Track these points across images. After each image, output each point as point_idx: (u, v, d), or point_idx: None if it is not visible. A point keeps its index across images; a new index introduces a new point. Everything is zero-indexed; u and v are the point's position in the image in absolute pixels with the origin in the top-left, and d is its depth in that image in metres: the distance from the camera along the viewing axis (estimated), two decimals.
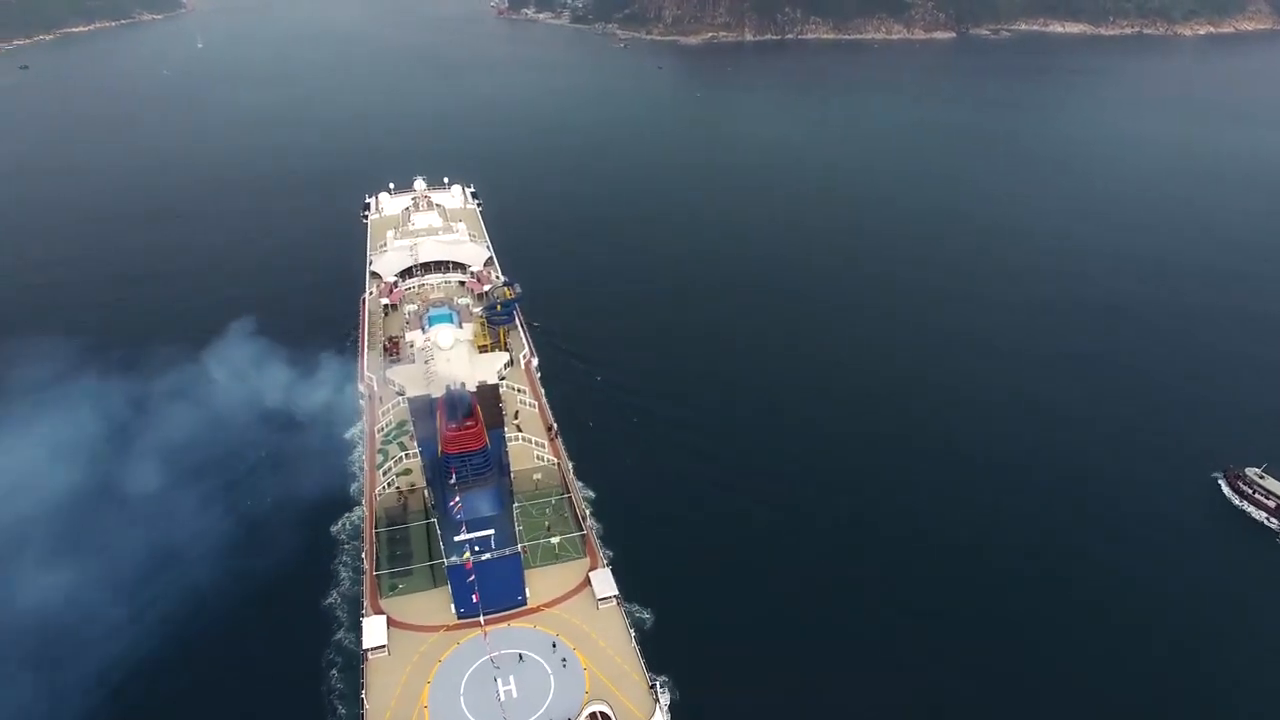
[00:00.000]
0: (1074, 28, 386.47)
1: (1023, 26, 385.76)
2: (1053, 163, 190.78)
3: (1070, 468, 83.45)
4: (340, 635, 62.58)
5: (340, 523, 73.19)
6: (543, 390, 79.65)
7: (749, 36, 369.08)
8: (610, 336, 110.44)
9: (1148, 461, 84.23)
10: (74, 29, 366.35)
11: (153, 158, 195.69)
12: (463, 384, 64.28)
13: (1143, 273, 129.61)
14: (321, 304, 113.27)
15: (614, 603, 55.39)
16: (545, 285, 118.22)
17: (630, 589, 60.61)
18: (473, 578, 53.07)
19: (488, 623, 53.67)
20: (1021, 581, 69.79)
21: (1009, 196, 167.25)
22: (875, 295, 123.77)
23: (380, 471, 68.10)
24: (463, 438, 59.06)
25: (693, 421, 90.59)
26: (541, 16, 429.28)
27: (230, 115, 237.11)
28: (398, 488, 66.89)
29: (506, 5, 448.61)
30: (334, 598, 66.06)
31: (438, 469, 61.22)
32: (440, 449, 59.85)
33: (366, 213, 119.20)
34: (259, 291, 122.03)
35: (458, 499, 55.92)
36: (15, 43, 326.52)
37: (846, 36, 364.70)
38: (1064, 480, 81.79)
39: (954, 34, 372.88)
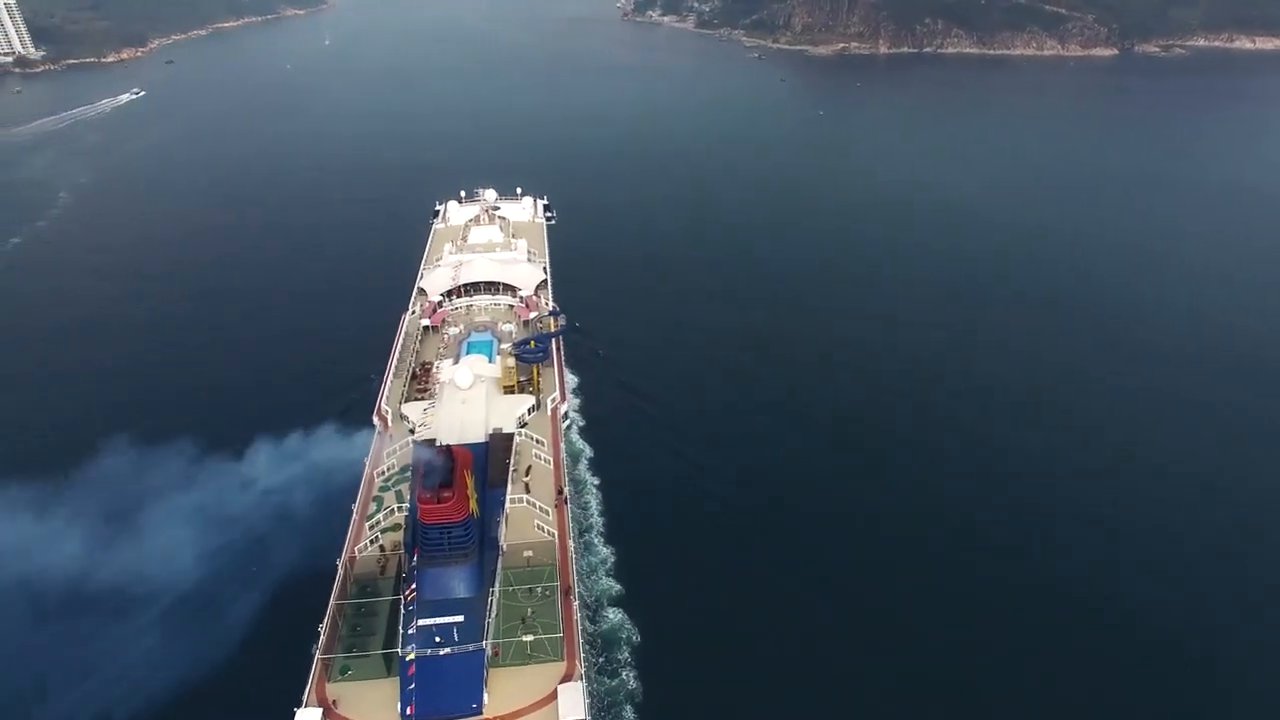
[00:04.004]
0: (1268, 44, 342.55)
1: (1201, 43, 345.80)
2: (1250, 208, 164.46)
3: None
4: None
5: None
6: (564, 444, 71.10)
7: (883, 49, 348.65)
8: (686, 385, 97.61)
9: None
10: (224, 24, 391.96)
11: (253, 154, 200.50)
12: (447, 445, 56.29)
13: None
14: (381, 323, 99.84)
15: None
16: (615, 312, 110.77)
17: None
18: (414, 685, 45.18)
19: None
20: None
21: (1192, 242, 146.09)
22: (1032, 350, 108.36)
23: (368, 523, 61.35)
24: (440, 510, 51.25)
25: (791, 534, 74.79)
26: (666, 20, 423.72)
27: (334, 113, 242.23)
28: (381, 545, 59.85)
29: (632, 8, 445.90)
30: None
31: (416, 535, 53.68)
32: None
33: (434, 220, 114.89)
34: (324, 293, 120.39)
35: (413, 586, 47.98)
36: (173, 37, 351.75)
37: (991, 52, 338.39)
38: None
39: (1115, 51, 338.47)
